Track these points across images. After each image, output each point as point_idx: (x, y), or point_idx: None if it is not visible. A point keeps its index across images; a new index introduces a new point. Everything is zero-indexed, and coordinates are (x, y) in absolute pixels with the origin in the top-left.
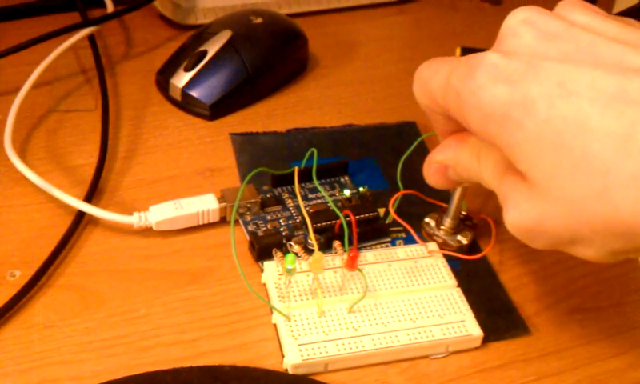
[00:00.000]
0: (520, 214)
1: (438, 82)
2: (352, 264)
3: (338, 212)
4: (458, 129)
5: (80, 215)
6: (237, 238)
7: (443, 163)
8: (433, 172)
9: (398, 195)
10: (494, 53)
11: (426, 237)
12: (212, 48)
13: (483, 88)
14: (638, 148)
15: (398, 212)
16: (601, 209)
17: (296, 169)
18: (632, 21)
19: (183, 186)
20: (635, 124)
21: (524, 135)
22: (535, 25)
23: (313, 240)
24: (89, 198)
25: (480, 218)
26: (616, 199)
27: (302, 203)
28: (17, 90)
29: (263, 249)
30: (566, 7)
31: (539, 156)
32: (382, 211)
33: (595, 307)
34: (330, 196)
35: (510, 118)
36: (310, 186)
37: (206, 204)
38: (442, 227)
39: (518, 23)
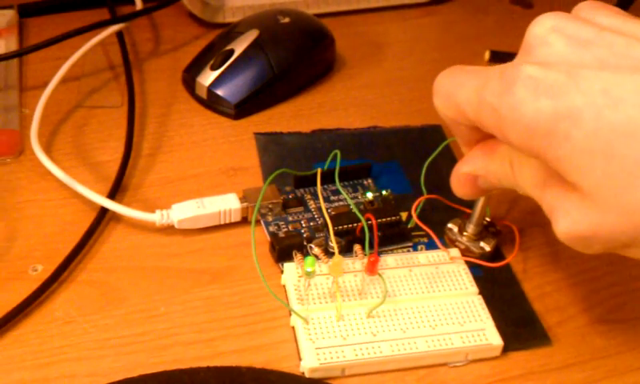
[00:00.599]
0: (573, 224)
1: (465, 96)
2: (372, 268)
3: (359, 215)
4: (483, 137)
5: (103, 211)
6: (258, 238)
7: (473, 173)
8: (462, 183)
9: (421, 200)
10: (529, 64)
11: (449, 243)
12: (239, 47)
13: (525, 103)
14: None
15: (421, 217)
16: None
17: (319, 170)
18: None
19: (206, 184)
20: None
21: (573, 148)
22: (564, 32)
23: (333, 243)
24: (112, 194)
25: (504, 225)
26: None
27: (323, 205)
28: (45, 85)
29: (283, 250)
30: (587, 9)
31: (591, 167)
32: (404, 215)
33: (619, 319)
34: (353, 198)
35: (557, 131)
36: (332, 187)
37: (228, 203)
38: (464, 233)
39: (547, 31)
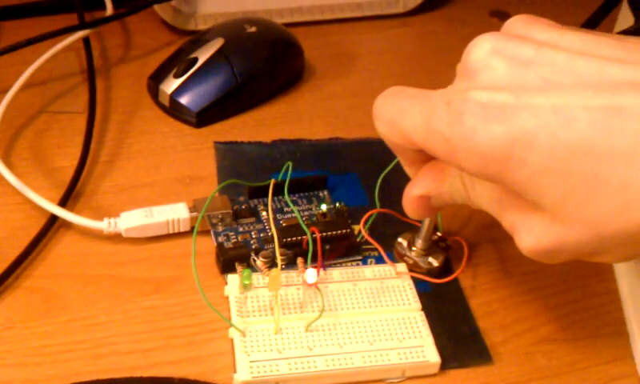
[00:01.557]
0: (537, 240)
1: (411, 123)
2: (308, 281)
3: (305, 228)
4: (429, 158)
5: (53, 218)
6: (207, 248)
7: (425, 196)
8: (415, 206)
9: (371, 213)
10: (476, 90)
11: (397, 257)
12: (203, 55)
13: (477, 131)
14: None
15: (374, 230)
16: (623, 224)
17: (272, 181)
18: (576, 28)
19: (160, 192)
20: (638, 136)
21: (530, 170)
22: (504, 53)
23: (277, 255)
24: (64, 200)
25: (455, 240)
26: (638, 212)
27: (271, 217)
28: (9, 89)
29: (227, 261)
30: (520, 25)
31: (549, 186)
32: (357, 228)
33: (565, 339)
34: (307, 210)
35: (512, 156)
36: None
37: (177, 213)
38: (413, 248)
39: (487, 54)
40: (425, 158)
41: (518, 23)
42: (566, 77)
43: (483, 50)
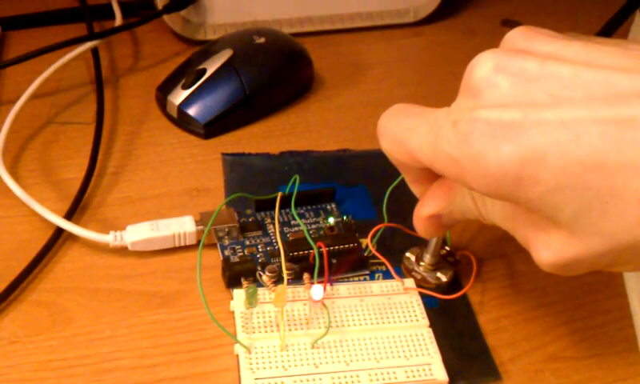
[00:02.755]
0: (554, 254)
1: (417, 143)
2: (315, 298)
3: (311, 242)
4: (436, 176)
5: (59, 231)
6: (213, 262)
7: (436, 215)
8: (426, 226)
9: (379, 227)
10: (482, 109)
11: (405, 272)
12: (211, 66)
13: (486, 153)
14: None
15: (382, 244)
16: None
17: (279, 194)
18: (581, 36)
19: (167, 205)
20: None
21: (543, 188)
22: (508, 69)
23: (284, 270)
24: (70, 213)
25: (463, 255)
26: None
27: (278, 230)
28: (18, 99)
29: (233, 275)
30: (521, 39)
31: (564, 203)
32: (365, 242)
33: (574, 357)
34: (314, 223)
35: (524, 176)
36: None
37: (183, 226)
38: (421, 263)
39: (490, 72)
40: (430, 175)
41: (518, 36)
42: (573, 90)
43: (486, 68)
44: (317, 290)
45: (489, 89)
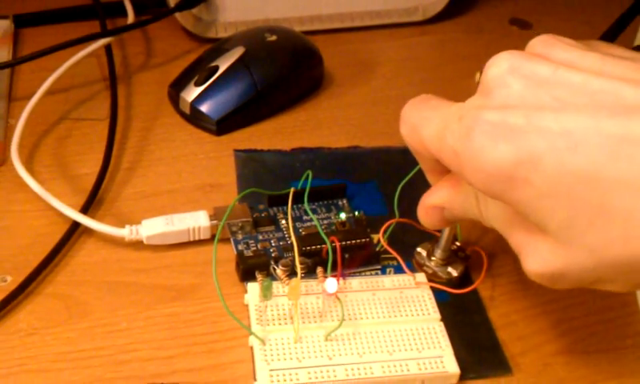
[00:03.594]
0: (542, 263)
1: (430, 132)
2: (328, 291)
3: (324, 237)
4: (447, 168)
5: (75, 225)
6: (227, 256)
7: (439, 205)
8: (429, 215)
9: (390, 223)
10: (487, 109)
11: (417, 267)
12: (224, 64)
13: (484, 149)
14: None
15: (393, 239)
16: (625, 253)
17: (291, 190)
18: (602, 44)
19: (181, 200)
20: None
21: (534, 192)
22: (521, 71)
23: (297, 264)
24: (86, 207)
25: (474, 251)
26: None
27: (291, 225)
28: (32, 96)
29: (247, 269)
30: (542, 45)
31: (553, 210)
32: (376, 237)
33: (584, 351)
34: (326, 219)
35: (517, 177)
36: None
37: (198, 221)
38: (432, 258)
39: (504, 72)
40: (444, 167)
41: (539, 43)
42: (581, 98)
43: (501, 68)
44: (331, 283)
45: (499, 88)
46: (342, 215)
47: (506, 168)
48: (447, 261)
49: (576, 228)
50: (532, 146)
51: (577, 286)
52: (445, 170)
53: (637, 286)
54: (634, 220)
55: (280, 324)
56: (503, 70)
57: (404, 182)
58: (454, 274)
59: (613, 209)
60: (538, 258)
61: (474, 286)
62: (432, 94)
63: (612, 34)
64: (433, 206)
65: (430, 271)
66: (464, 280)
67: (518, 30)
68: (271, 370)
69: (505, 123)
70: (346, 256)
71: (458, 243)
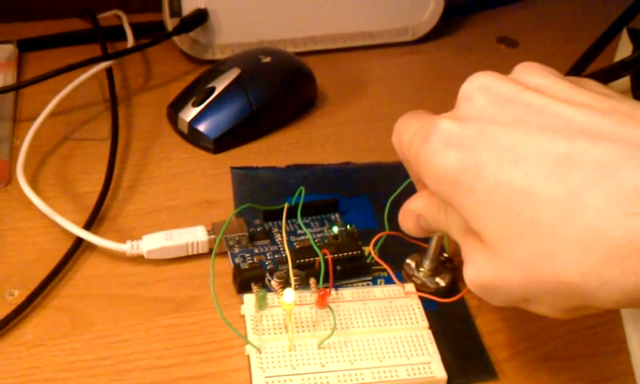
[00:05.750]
0: (476, 272)
1: (406, 138)
2: (321, 302)
3: (317, 250)
4: None
5: (78, 241)
6: (224, 269)
7: (415, 213)
8: (406, 220)
9: (380, 235)
10: (448, 119)
11: (406, 277)
12: (220, 85)
13: (437, 153)
14: (580, 211)
15: (384, 252)
16: (549, 270)
17: (285, 205)
18: (586, 80)
19: (180, 216)
20: (577, 188)
21: (475, 198)
22: (489, 89)
23: (291, 276)
24: (89, 224)
25: (461, 261)
26: (562, 260)
27: (285, 239)
28: (37, 117)
29: (244, 281)
30: (522, 70)
31: (490, 219)
32: (367, 249)
33: (568, 356)
34: (319, 232)
35: (461, 182)
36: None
37: (196, 236)
38: (421, 269)
39: (474, 89)
40: None
41: (521, 68)
42: (535, 118)
43: (472, 85)
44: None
45: (466, 102)
46: (335, 229)
47: (452, 173)
48: (435, 271)
49: (508, 240)
50: (479, 156)
51: (508, 304)
52: None
53: (567, 312)
54: (558, 236)
55: (275, 333)
56: (474, 87)
57: (394, 196)
58: (442, 283)
59: (541, 224)
60: (474, 267)
61: (460, 295)
62: (421, 109)
63: (593, 52)
64: (411, 211)
65: (418, 282)
66: (451, 289)
67: (506, 48)
68: (267, 377)
69: (460, 133)
70: (338, 268)
71: (445, 255)
